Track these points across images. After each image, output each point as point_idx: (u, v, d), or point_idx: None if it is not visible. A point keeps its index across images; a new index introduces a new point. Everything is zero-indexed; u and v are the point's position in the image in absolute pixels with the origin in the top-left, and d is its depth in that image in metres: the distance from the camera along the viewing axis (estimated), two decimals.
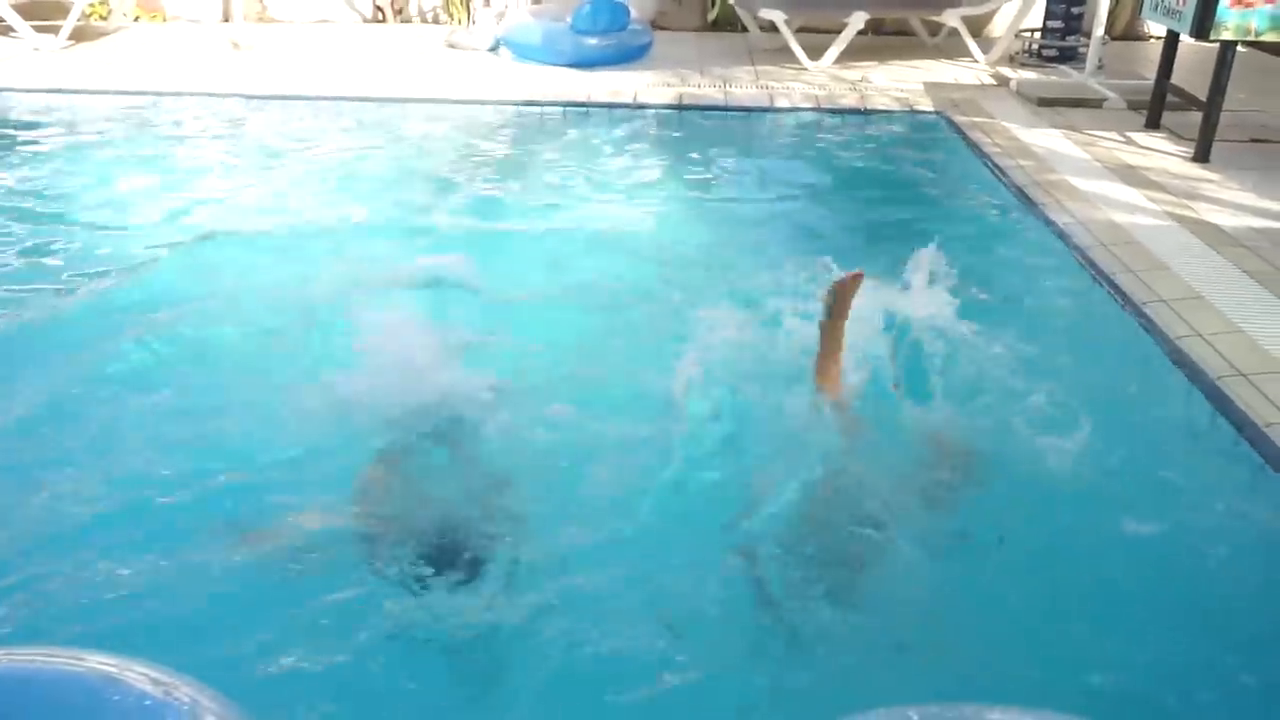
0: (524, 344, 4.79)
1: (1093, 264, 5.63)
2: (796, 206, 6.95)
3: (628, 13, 10.45)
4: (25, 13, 10.48)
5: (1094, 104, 8.82)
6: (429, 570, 3.19)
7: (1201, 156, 7.34)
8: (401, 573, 3.20)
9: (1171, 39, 7.89)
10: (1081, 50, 10.15)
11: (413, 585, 3.16)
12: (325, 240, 6.11)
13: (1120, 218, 6.23)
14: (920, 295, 4.65)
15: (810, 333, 4.16)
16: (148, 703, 1.88)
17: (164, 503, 3.58)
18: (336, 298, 5.05)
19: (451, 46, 11.02)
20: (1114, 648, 3.09)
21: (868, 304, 4.26)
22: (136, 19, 12.07)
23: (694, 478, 3.81)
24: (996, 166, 7.34)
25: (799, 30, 10.54)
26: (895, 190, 7.41)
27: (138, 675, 1.96)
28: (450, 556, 3.27)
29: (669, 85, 9.48)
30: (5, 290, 5.35)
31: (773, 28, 10.56)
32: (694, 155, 8.01)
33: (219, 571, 3.24)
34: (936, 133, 8.49)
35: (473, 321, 5.00)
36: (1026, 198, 6.70)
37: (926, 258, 4.67)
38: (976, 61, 10.50)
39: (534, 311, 5.21)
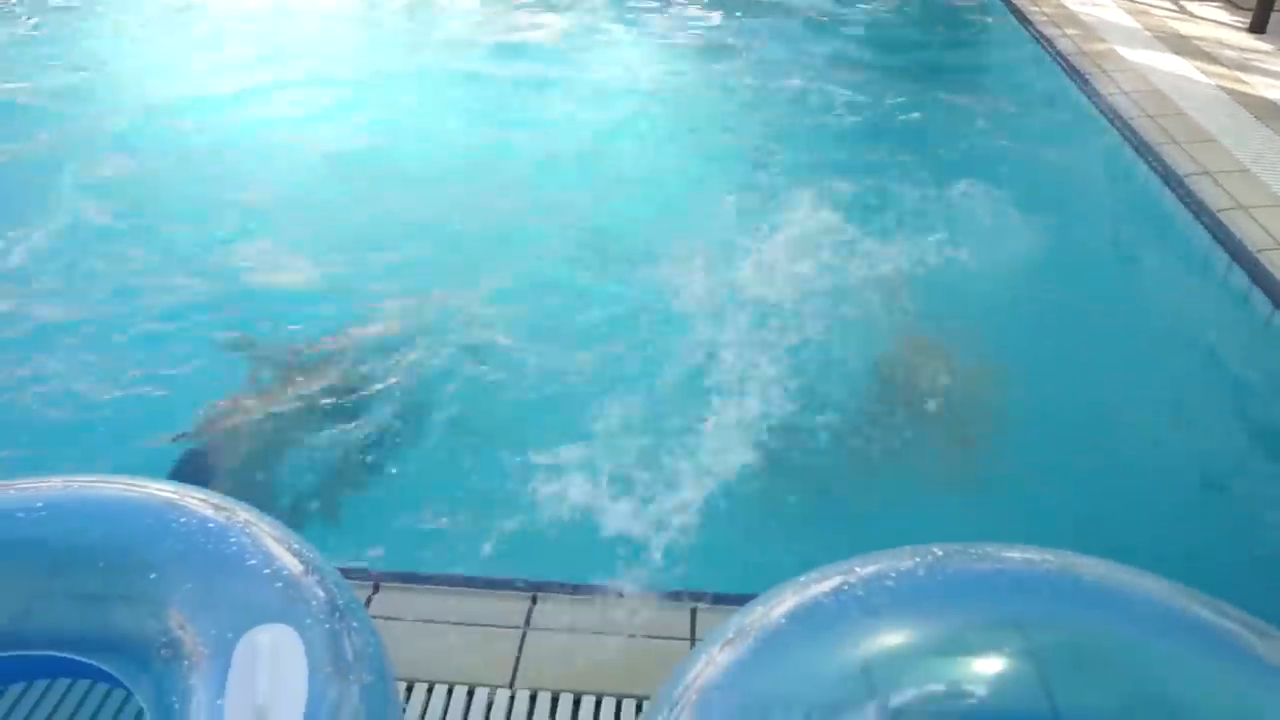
0: None
1: (1136, 135, 5.50)
2: (829, 75, 6.79)
3: None
4: None
5: None
6: None
7: (1258, 27, 7.06)
8: None
9: None
10: None
11: None
12: None
13: (1168, 88, 6.05)
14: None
15: None
16: (210, 525, 1.99)
17: None
18: None
19: None
20: None
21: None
22: None
23: None
24: (1042, 35, 7.10)
25: None
26: (935, 57, 7.22)
27: (198, 500, 2.07)
28: None
29: None
30: None
31: None
32: None
33: None
34: None
35: None
36: (1072, 68, 6.50)
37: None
38: None
39: None
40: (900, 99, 6.31)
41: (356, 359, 3.73)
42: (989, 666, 1.90)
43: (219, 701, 1.66)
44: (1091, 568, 1.98)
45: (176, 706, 1.71)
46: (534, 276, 4.33)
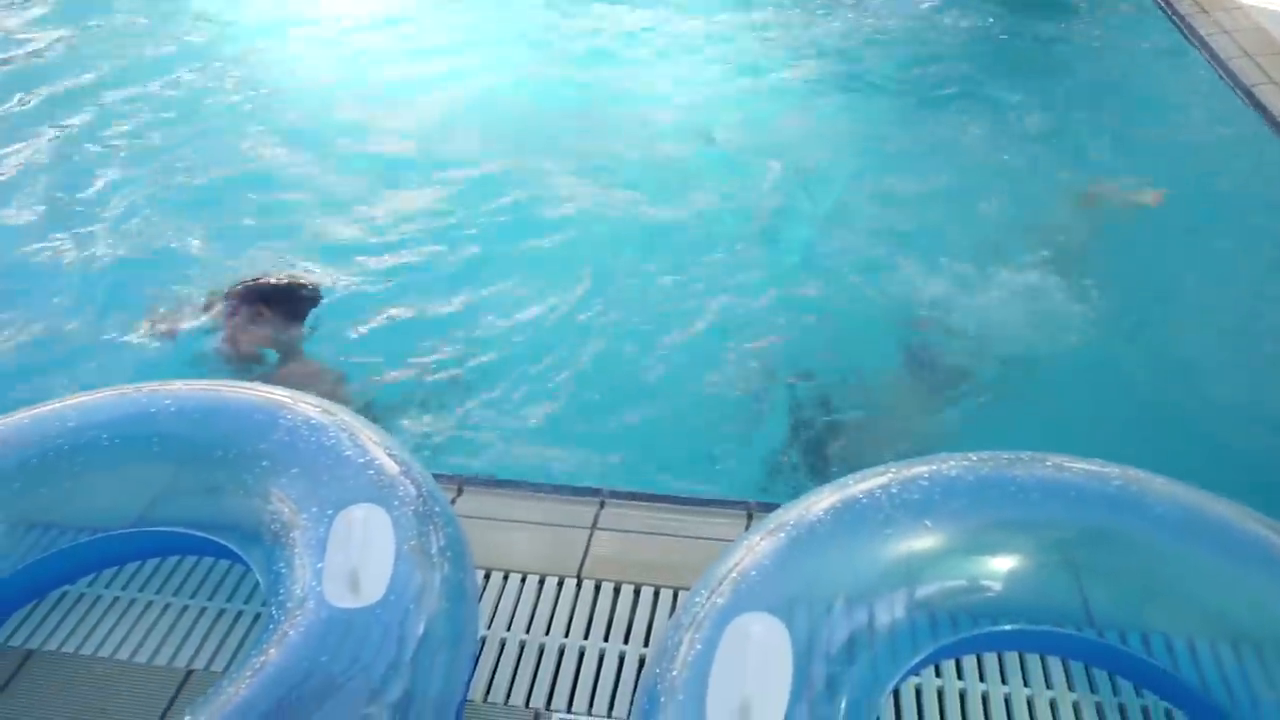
0: None
1: (1233, 76, 5.37)
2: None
3: None
4: None
5: None
6: None
7: None
8: None
9: None
10: None
11: None
12: None
13: (1271, 26, 5.85)
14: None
15: None
16: (313, 422, 2.25)
17: None
18: None
19: None
20: None
21: None
22: None
23: None
24: None
25: None
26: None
27: (303, 403, 2.33)
28: None
29: None
30: None
31: None
32: None
33: None
34: None
35: None
36: (1168, 4, 6.33)
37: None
38: None
39: None
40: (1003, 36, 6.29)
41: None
42: (1018, 564, 2.04)
43: (319, 565, 1.91)
44: (1120, 474, 2.09)
45: (284, 572, 1.98)
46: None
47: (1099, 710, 2.04)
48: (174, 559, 2.40)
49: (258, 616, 2.28)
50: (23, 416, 2.33)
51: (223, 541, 2.21)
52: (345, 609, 1.81)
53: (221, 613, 2.30)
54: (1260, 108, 5.04)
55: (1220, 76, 5.47)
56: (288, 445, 2.18)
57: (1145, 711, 2.04)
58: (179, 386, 2.36)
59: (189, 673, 2.17)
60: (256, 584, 2.34)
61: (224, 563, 2.38)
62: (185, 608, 2.31)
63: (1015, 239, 4.27)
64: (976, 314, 3.84)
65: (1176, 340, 3.76)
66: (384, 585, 1.86)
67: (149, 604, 2.31)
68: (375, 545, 1.93)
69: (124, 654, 2.21)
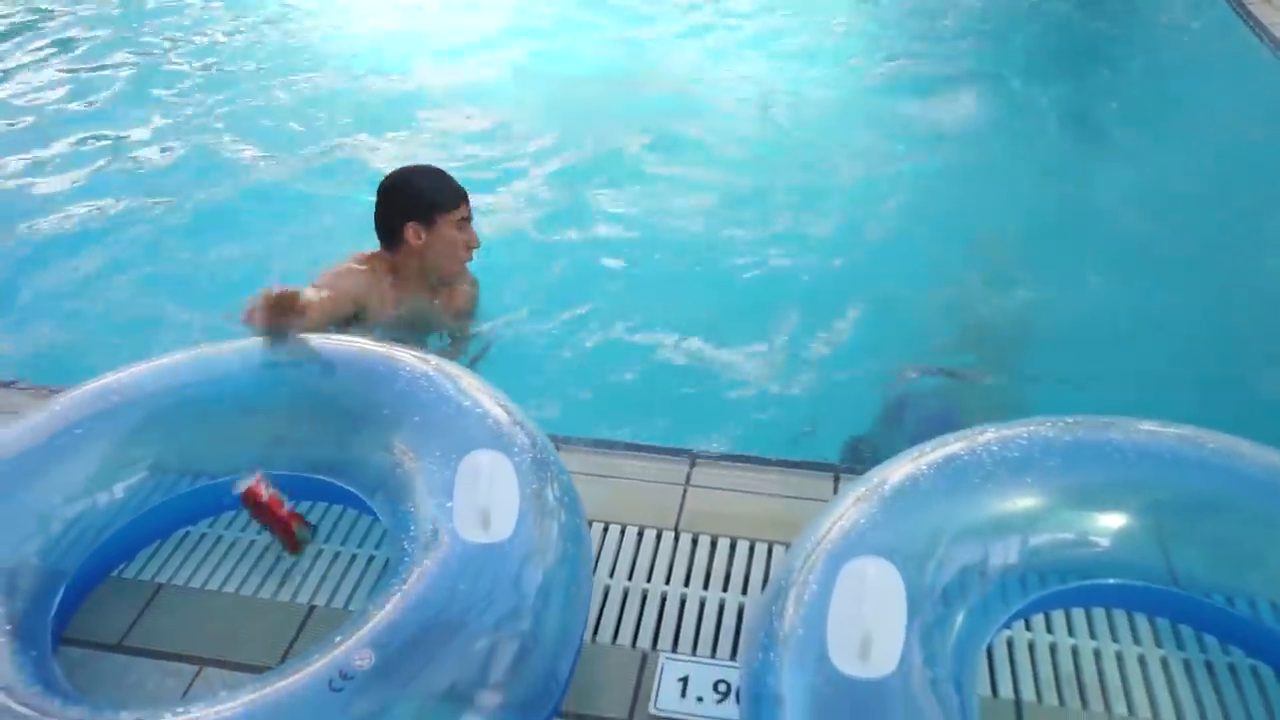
0: None
1: None
2: None
3: None
4: None
5: None
6: None
7: None
8: None
9: None
10: None
11: None
12: None
13: None
14: None
15: None
16: (429, 374, 2.37)
17: None
18: None
19: None
20: None
21: None
22: None
23: None
24: None
25: None
26: None
27: (414, 357, 2.45)
28: None
29: None
30: None
31: None
32: None
33: None
34: None
35: None
36: None
37: None
38: None
39: None
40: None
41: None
42: (1112, 522, 2.12)
43: (448, 504, 2.02)
44: (1212, 439, 2.16)
45: (412, 512, 2.09)
46: None
47: (1186, 666, 2.12)
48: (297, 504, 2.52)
49: (371, 560, 2.40)
50: (149, 366, 2.45)
51: (345, 485, 2.33)
52: (479, 543, 1.92)
53: (337, 555, 2.42)
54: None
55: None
56: (408, 395, 2.29)
57: (1232, 668, 2.11)
58: (303, 341, 2.47)
59: (311, 608, 2.29)
60: (371, 528, 2.46)
61: (338, 508, 2.50)
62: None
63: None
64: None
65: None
66: (512, 523, 1.96)
67: (269, 545, 2.43)
68: (501, 487, 2.03)
69: (248, 590, 2.34)
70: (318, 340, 2.50)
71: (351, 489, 2.32)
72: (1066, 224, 4.38)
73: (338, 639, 1.78)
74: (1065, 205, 4.51)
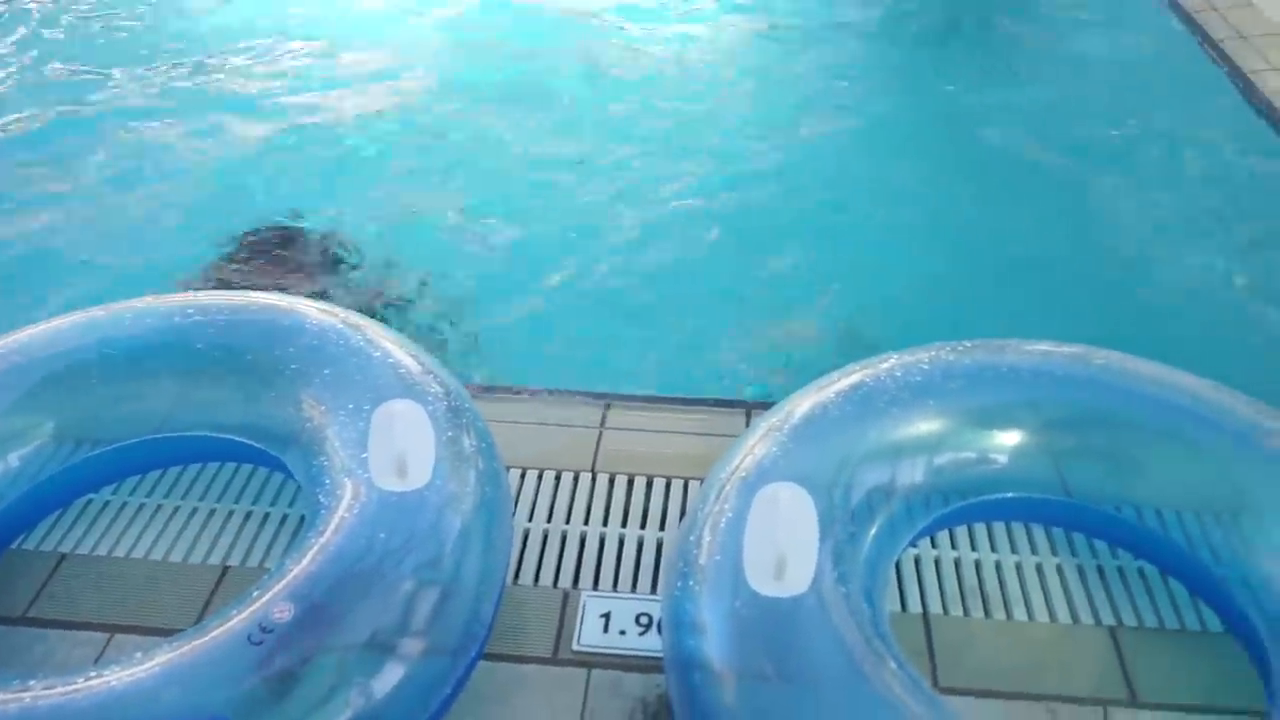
0: None
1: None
2: None
3: None
4: None
5: None
6: None
7: None
8: None
9: None
10: None
11: None
12: None
13: None
14: None
15: None
16: (339, 327, 2.33)
17: None
18: None
19: None
20: None
21: None
22: None
23: None
24: None
25: None
26: None
27: (323, 311, 2.40)
28: None
29: None
30: None
31: None
32: None
33: None
34: None
35: None
36: None
37: None
38: None
39: None
40: None
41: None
42: (1010, 439, 2.21)
43: (363, 455, 2.01)
44: (1100, 356, 2.27)
45: (326, 465, 2.06)
46: None
47: (1080, 571, 2.24)
48: (203, 466, 2.47)
49: (285, 518, 2.37)
50: (44, 328, 2.35)
51: (255, 444, 2.28)
52: (396, 492, 1.91)
53: (249, 514, 2.38)
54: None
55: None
56: (316, 348, 2.25)
57: (1121, 570, 2.24)
58: (202, 297, 2.41)
59: (225, 569, 2.25)
60: (283, 486, 2.43)
61: (249, 468, 2.46)
62: (213, 510, 2.38)
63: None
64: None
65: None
66: (429, 470, 1.96)
67: (176, 508, 2.38)
68: (416, 435, 2.02)
69: (157, 555, 2.29)
70: (220, 296, 2.44)
71: (262, 447, 2.28)
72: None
73: (255, 593, 1.76)
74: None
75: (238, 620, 1.71)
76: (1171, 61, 5.21)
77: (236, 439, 2.32)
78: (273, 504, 2.40)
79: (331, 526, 1.87)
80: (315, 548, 1.83)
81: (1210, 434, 2.15)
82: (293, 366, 2.24)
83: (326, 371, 2.20)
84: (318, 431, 2.13)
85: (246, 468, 2.48)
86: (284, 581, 1.77)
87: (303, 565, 1.79)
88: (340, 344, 2.25)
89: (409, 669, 1.76)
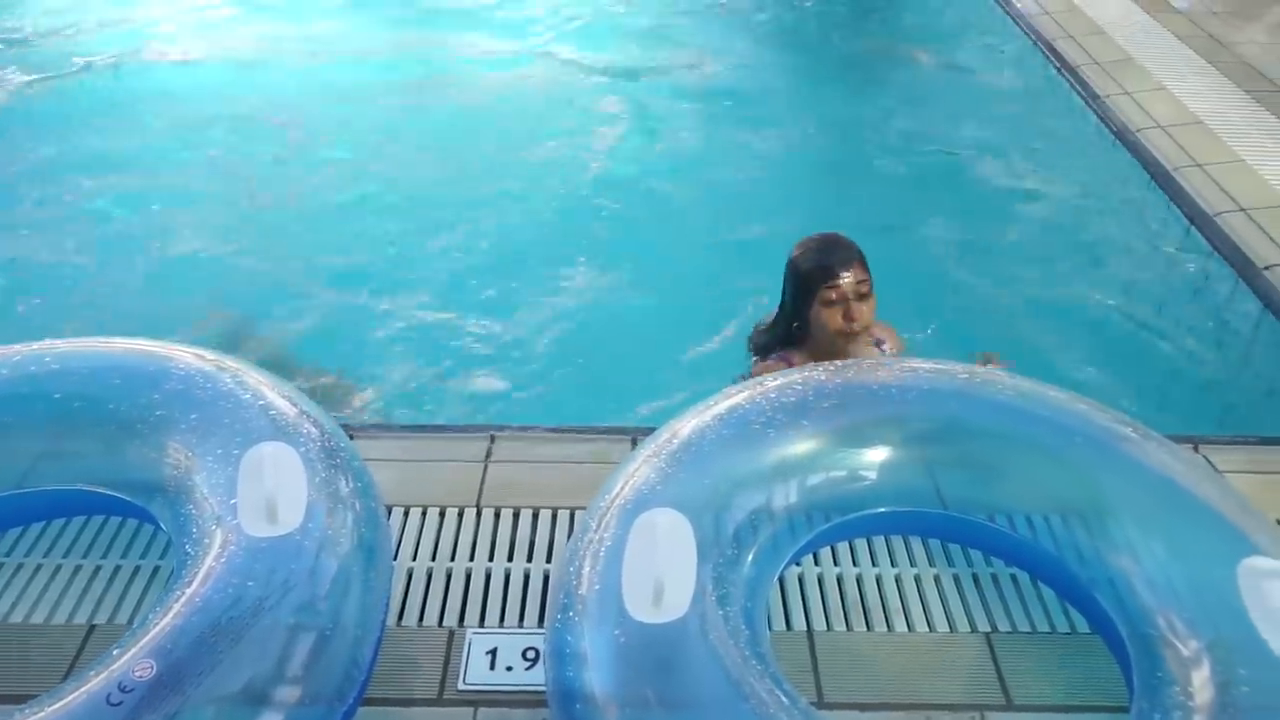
0: None
1: (1035, 30, 5.87)
2: None
3: None
4: None
5: None
6: None
7: None
8: None
9: None
10: None
11: None
12: None
13: None
14: None
15: None
16: (206, 369, 2.27)
17: None
18: None
19: None
20: None
21: None
22: None
23: None
24: None
25: None
26: None
27: (189, 353, 2.34)
28: None
29: None
30: None
31: None
32: None
33: None
34: None
35: None
36: None
37: None
38: None
39: None
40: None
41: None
42: (885, 455, 2.27)
43: (232, 501, 1.95)
44: (965, 370, 2.36)
45: (193, 513, 2.00)
46: None
47: (956, 580, 2.31)
48: (62, 522, 2.36)
49: (156, 570, 2.28)
50: None
51: (120, 495, 2.20)
52: (266, 537, 1.86)
53: (118, 569, 2.29)
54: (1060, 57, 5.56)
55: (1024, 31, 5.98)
56: (182, 394, 2.18)
57: (995, 577, 2.32)
58: (60, 344, 2.32)
59: (91, 627, 2.16)
60: (154, 538, 2.34)
61: (117, 520, 2.37)
62: (79, 566, 2.28)
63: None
64: None
65: None
66: (301, 513, 1.92)
67: (39, 566, 2.28)
68: (287, 478, 1.98)
69: (17, 617, 2.18)
70: (80, 344, 2.35)
71: (127, 498, 2.20)
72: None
73: (115, 651, 1.69)
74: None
75: (96, 681, 1.63)
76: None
77: (101, 491, 2.23)
78: (143, 557, 2.32)
79: (199, 576, 1.81)
80: (181, 599, 1.76)
81: (1070, 441, 2.24)
82: (157, 413, 2.17)
83: (193, 416, 2.14)
84: (184, 479, 2.07)
85: (115, 520, 2.39)
86: (147, 637, 1.71)
87: (167, 619, 1.73)
88: (208, 387, 2.19)
89: (284, 719, 1.71)
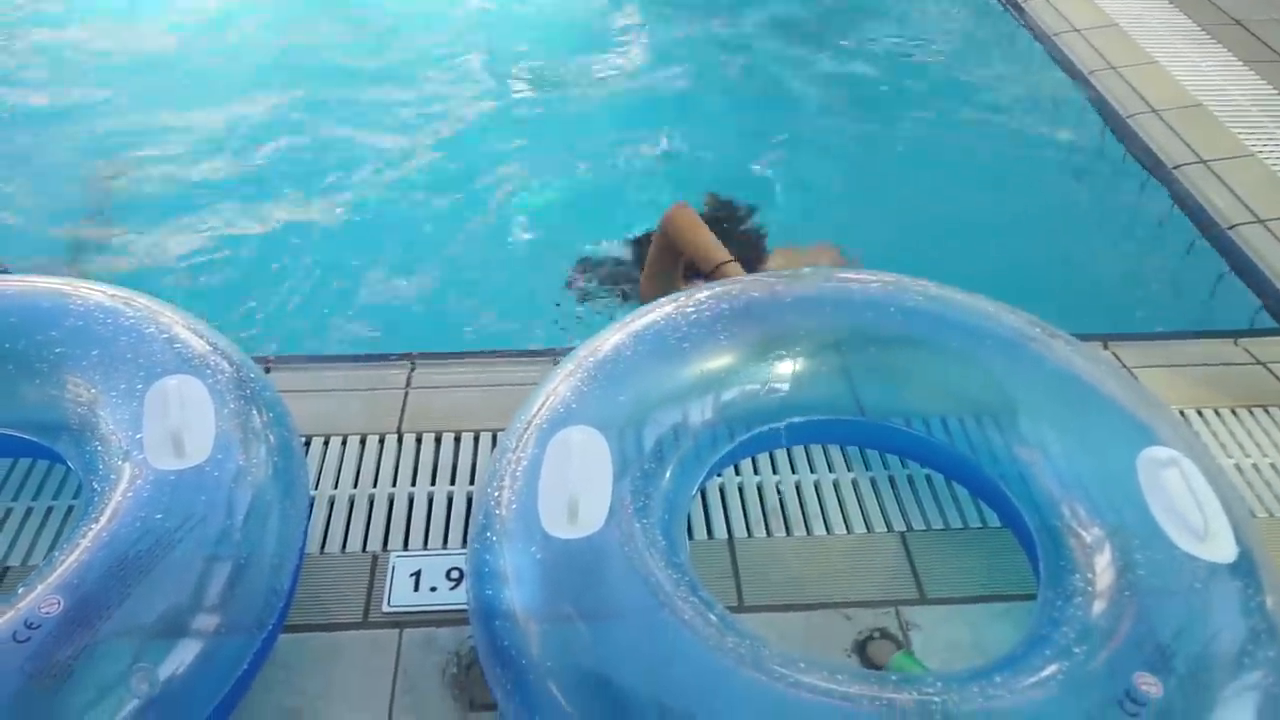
0: None
1: None
2: None
3: None
4: None
5: None
6: None
7: None
8: None
9: None
10: None
11: None
12: None
13: None
14: None
15: None
16: (106, 305, 2.19)
17: None
18: None
19: None
20: None
21: None
22: None
23: None
24: None
25: None
26: None
27: (90, 289, 2.26)
28: None
29: None
30: None
31: None
32: None
33: None
34: None
35: None
36: None
37: None
38: None
39: None
40: None
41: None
42: (802, 365, 2.28)
43: (137, 435, 1.91)
44: (876, 278, 2.37)
45: (99, 450, 1.96)
46: None
47: (873, 484, 2.36)
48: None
49: (70, 510, 2.25)
50: None
51: (24, 436, 2.13)
52: (173, 469, 1.83)
53: (30, 510, 2.25)
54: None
55: None
56: (83, 330, 2.12)
57: (910, 479, 2.37)
58: None
59: (5, 569, 2.13)
60: (65, 478, 2.30)
61: (27, 462, 2.32)
62: None
63: None
64: None
65: None
66: (209, 445, 1.88)
67: None
68: (194, 410, 1.94)
69: None
70: None
71: (34, 438, 2.13)
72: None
73: (21, 590, 1.66)
74: None
75: (2, 620, 1.61)
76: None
77: (5, 432, 2.17)
78: (55, 497, 2.28)
79: (106, 513, 1.77)
80: (88, 535, 1.73)
81: (981, 344, 2.28)
82: (57, 350, 2.10)
83: (95, 352, 2.07)
84: (88, 416, 2.02)
85: (25, 462, 2.34)
86: (53, 575, 1.68)
87: (73, 555, 1.70)
88: (109, 322, 2.13)
89: (200, 649, 1.69)
